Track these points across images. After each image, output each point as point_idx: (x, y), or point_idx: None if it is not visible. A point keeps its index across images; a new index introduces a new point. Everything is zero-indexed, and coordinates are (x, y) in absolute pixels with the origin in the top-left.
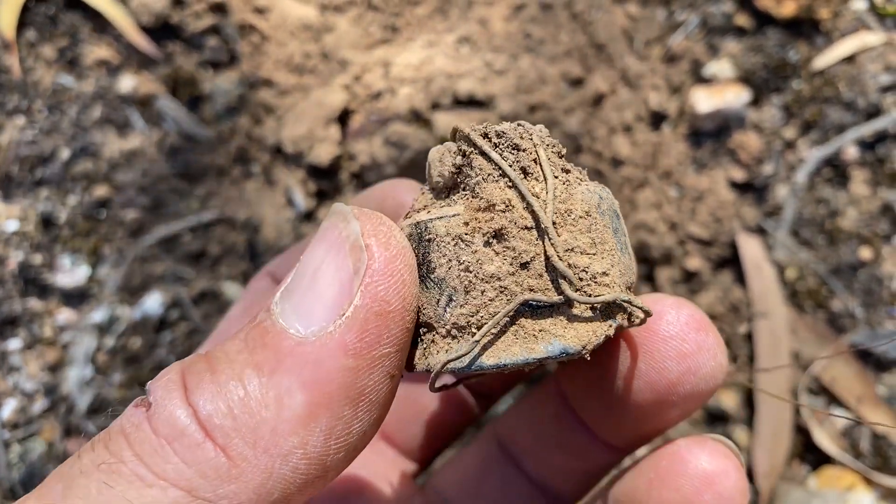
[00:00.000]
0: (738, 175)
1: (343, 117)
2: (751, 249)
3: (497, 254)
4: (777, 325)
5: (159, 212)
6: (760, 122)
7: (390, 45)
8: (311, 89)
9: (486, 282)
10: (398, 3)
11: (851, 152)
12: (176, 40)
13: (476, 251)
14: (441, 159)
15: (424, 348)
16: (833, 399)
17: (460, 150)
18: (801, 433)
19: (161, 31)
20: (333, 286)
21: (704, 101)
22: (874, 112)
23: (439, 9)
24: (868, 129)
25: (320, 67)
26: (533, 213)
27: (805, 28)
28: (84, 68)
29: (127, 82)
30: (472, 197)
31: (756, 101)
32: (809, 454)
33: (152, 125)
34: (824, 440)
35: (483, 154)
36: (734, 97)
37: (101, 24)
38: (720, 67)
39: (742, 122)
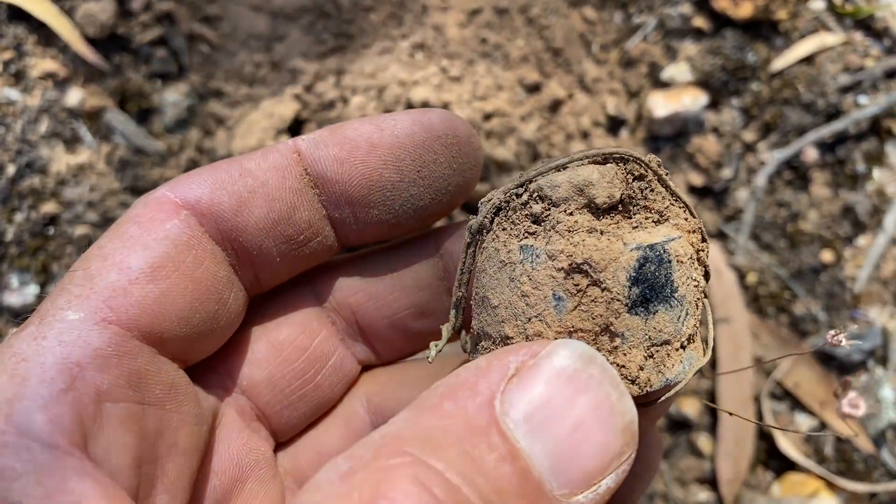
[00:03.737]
0: (697, 179)
1: (294, 127)
2: (711, 254)
3: (700, 270)
4: (739, 330)
5: (109, 228)
6: (719, 126)
7: (343, 54)
8: (261, 99)
9: (702, 294)
10: (351, 10)
11: (811, 154)
12: (123, 52)
13: (696, 268)
14: (611, 181)
15: (657, 363)
16: (796, 404)
17: (631, 174)
18: (765, 439)
19: (108, 42)
20: (595, 458)
21: (662, 105)
22: (834, 113)
23: (394, 15)
24: (828, 130)
25: (271, 77)
26: (702, 231)
27: (763, 29)
28: (30, 81)
29: (74, 95)
30: (664, 220)
31: (714, 104)
32: (773, 460)
33: (101, 139)
34: (788, 446)
35: (661, 181)
36: (692, 101)
37: (46, 36)
38: (678, 70)
39: (700, 126)
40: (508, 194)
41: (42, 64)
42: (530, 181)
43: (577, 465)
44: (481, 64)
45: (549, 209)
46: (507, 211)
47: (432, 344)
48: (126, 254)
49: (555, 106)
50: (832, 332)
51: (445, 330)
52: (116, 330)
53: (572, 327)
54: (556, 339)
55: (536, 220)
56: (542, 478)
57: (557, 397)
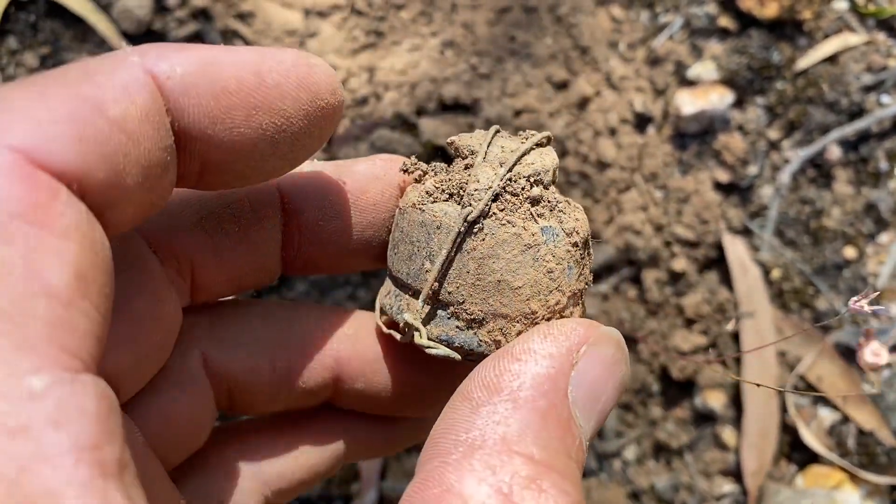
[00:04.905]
0: (723, 176)
1: None
2: (736, 250)
3: None
4: (763, 324)
5: None
6: (744, 124)
7: (375, 50)
8: None
9: None
10: (382, 7)
11: (835, 152)
12: None
13: None
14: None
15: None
16: (819, 397)
17: None
18: (789, 432)
19: (144, 37)
20: (604, 421)
21: (689, 103)
22: (857, 112)
23: (424, 12)
24: (851, 129)
25: None
26: None
27: (788, 29)
28: None
29: None
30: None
31: (740, 103)
32: (797, 453)
33: None
34: (811, 439)
35: None
36: (718, 99)
37: (82, 31)
38: (704, 69)
39: (726, 124)
40: (503, 181)
41: (78, 59)
42: (512, 166)
43: (597, 429)
44: (510, 61)
45: (542, 191)
46: (505, 196)
47: (422, 339)
48: (37, 267)
49: (583, 103)
50: (854, 298)
51: (416, 321)
52: (91, 379)
53: (577, 290)
54: (567, 302)
55: (534, 202)
56: (585, 444)
57: (600, 381)
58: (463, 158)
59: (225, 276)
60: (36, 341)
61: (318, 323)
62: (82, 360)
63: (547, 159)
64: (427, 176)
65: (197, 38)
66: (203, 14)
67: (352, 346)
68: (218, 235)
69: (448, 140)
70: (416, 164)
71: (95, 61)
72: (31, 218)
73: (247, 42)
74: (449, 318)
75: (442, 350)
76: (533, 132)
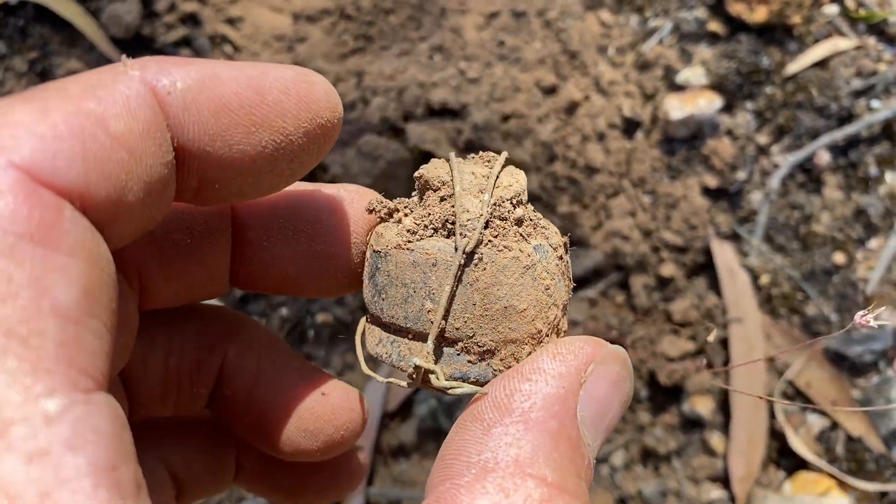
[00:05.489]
0: (712, 181)
1: None
2: (724, 255)
3: None
4: (751, 330)
5: None
6: (734, 129)
7: (363, 55)
8: None
9: None
10: (371, 12)
11: (824, 157)
12: (148, 52)
13: None
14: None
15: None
16: (808, 403)
17: None
18: (777, 438)
19: (133, 42)
20: (608, 435)
21: (677, 107)
22: (846, 117)
23: (412, 17)
24: (840, 134)
25: None
26: None
27: (777, 34)
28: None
29: None
30: None
31: (729, 108)
32: (785, 459)
33: None
34: (800, 445)
35: None
36: (707, 104)
37: (71, 36)
38: (693, 74)
39: (715, 129)
40: (490, 207)
41: (67, 64)
42: (493, 191)
43: (602, 446)
44: (499, 66)
45: (524, 211)
46: (494, 221)
47: (441, 381)
48: (46, 286)
49: (571, 108)
50: (861, 312)
51: (430, 364)
52: (104, 398)
53: (565, 301)
54: (560, 315)
55: (519, 222)
56: (592, 458)
57: (607, 399)
58: (435, 191)
59: (173, 287)
60: (49, 362)
61: (210, 324)
62: (94, 378)
63: (520, 178)
64: (398, 213)
65: (186, 42)
66: (192, 19)
67: (238, 355)
68: (167, 246)
69: (416, 174)
70: (382, 202)
71: (94, 74)
72: (38, 237)
73: (235, 46)
74: (458, 355)
75: (466, 388)
76: (491, 153)
